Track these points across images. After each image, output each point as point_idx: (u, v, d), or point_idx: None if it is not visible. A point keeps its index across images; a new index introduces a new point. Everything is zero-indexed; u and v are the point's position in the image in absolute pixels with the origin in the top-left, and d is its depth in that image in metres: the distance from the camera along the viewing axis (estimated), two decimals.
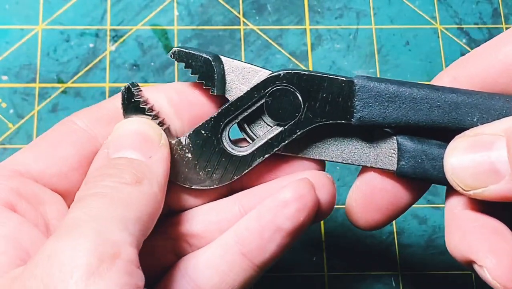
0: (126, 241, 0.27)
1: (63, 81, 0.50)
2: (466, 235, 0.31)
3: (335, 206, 0.48)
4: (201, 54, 0.33)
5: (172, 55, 0.33)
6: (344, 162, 0.34)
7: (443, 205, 0.49)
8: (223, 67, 0.33)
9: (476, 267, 0.30)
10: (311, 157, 0.34)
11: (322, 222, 0.48)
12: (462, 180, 0.30)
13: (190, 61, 0.33)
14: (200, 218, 0.35)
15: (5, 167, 0.32)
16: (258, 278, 0.33)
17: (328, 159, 0.34)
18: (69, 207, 0.32)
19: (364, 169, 0.34)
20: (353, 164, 0.34)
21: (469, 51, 0.53)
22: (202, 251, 0.34)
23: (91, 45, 0.51)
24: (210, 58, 0.33)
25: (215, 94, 0.33)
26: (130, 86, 0.33)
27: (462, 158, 0.30)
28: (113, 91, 0.50)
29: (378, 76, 0.52)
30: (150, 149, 0.32)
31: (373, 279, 0.47)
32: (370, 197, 0.34)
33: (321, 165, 0.35)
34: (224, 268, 0.33)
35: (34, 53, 0.50)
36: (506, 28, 0.54)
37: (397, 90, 0.32)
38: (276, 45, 0.52)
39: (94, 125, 0.34)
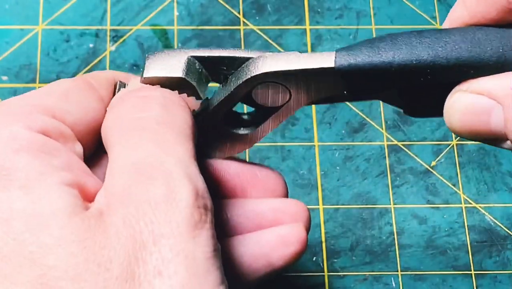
0: (206, 189, 0.27)
1: None
2: None
3: (335, 206, 0.49)
4: (171, 76, 0.31)
5: (144, 82, 0.32)
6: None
7: (443, 205, 0.49)
8: (201, 67, 0.32)
9: None
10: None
11: (322, 222, 0.48)
12: (463, 135, 0.30)
13: (163, 84, 0.32)
14: None
15: (42, 105, 0.29)
16: None
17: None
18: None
19: None
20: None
21: None
22: None
23: (91, 45, 0.51)
24: (181, 77, 0.31)
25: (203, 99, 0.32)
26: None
27: (461, 119, 0.30)
28: None
29: None
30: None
31: (373, 279, 0.47)
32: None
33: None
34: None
35: (34, 53, 0.50)
36: None
37: (383, 63, 0.30)
38: (276, 45, 0.52)
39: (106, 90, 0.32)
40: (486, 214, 0.49)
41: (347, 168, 0.50)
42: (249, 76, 0.32)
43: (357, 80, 0.31)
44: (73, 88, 0.31)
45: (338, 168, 0.50)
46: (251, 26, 0.52)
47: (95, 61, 0.51)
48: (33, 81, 0.50)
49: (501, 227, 0.49)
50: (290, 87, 0.32)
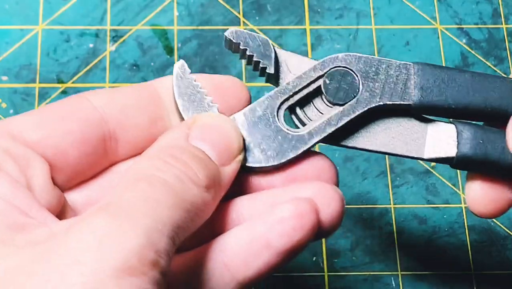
0: (169, 252, 0.26)
1: (63, 81, 0.50)
2: None
3: None
4: (259, 35, 0.33)
5: (230, 34, 0.33)
6: (397, 153, 0.33)
7: (443, 205, 0.49)
8: (276, 54, 0.33)
9: None
10: (363, 147, 0.33)
11: None
12: None
13: (247, 40, 0.33)
14: None
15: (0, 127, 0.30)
16: None
17: (381, 150, 0.33)
18: (54, 178, 0.31)
19: (470, 177, 0.34)
20: (407, 156, 0.33)
21: (469, 51, 0.53)
22: (183, 254, 0.31)
23: (91, 45, 0.51)
24: (268, 39, 0.33)
25: (272, 72, 0.33)
26: (184, 62, 0.33)
27: None
28: None
29: None
30: (227, 158, 0.31)
31: (373, 279, 0.47)
32: (486, 198, 0.34)
33: (334, 168, 0.34)
34: (203, 275, 0.30)
35: (34, 53, 0.50)
36: (506, 28, 0.54)
37: (454, 74, 0.33)
38: (276, 45, 0.52)
39: (109, 107, 0.32)
40: None
41: (347, 168, 0.50)
42: (329, 57, 0.33)
43: (428, 82, 0.33)
44: (53, 107, 0.32)
45: (338, 168, 0.49)
46: (251, 26, 0.52)
47: (95, 61, 0.51)
48: (33, 81, 0.50)
49: (501, 227, 0.49)
50: (362, 78, 0.33)
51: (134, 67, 0.51)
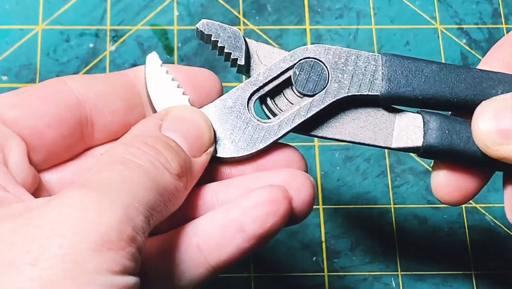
0: (145, 230, 0.27)
1: None
2: None
3: (335, 206, 0.49)
4: (230, 26, 0.34)
5: (201, 26, 0.33)
6: (365, 143, 0.34)
7: (443, 205, 0.49)
8: (247, 45, 0.34)
9: None
10: (333, 137, 0.34)
11: (322, 222, 0.48)
12: (490, 139, 0.31)
13: (218, 32, 0.33)
14: None
15: None
16: (210, 281, 0.31)
17: (350, 140, 0.34)
18: (30, 158, 0.31)
19: (435, 166, 0.35)
20: (375, 146, 0.33)
21: (469, 51, 0.53)
22: (157, 236, 0.32)
23: (91, 45, 0.51)
24: (238, 30, 0.33)
25: (242, 63, 0.33)
26: (156, 53, 0.34)
27: (490, 120, 0.31)
28: None
29: None
30: (198, 150, 0.32)
31: (373, 279, 0.47)
32: (450, 186, 0.35)
33: (303, 160, 0.34)
34: (175, 257, 0.31)
35: (34, 53, 0.50)
36: (506, 28, 0.54)
37: (422, 65, 0.33)
38: (276, 45, 0.52)
39: (86, 91, 0.33)
40: (486, 214, 0.49)
41: (347, 168, 0.50)
42: (299, 48, 0.33)
43: (395, 73, 0.33)
44: (32, 89, 0.32)
45: (338, 168, 0.50)
46: (251, 26, 0.52)
47: (95, 61, 0.51)
48: (33, 81, 0.50)
49: (501, 227, 0.49)
50: (331, 69, 0.33)
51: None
